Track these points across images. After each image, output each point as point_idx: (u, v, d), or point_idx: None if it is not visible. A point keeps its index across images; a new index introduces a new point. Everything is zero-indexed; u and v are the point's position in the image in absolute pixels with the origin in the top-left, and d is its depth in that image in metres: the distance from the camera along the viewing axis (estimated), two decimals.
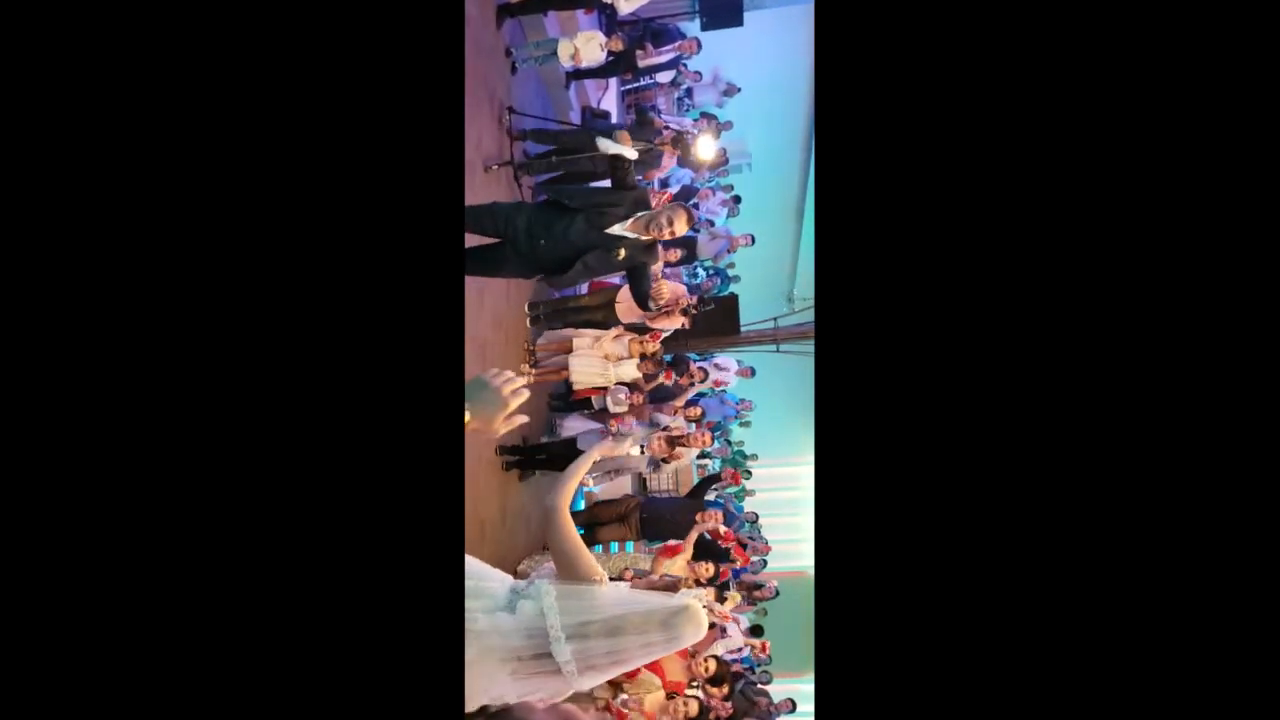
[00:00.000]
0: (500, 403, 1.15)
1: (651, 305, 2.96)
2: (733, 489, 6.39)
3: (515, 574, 1.75)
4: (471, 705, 1.28)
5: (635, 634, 1.40)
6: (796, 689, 5.24)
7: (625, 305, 4.85)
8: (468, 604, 1.46)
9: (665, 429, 4.71)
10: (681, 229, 2.82)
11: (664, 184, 6.15)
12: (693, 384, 5.31)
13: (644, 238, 2.79)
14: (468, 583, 1.51)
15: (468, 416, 1.14)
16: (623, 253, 2.77)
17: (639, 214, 2.76)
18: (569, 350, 4.79)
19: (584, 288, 5.25)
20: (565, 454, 4.49)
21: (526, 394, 1.16)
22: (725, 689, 3.25)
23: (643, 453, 4.25)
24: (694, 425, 4.90)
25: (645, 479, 4.76)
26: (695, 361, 5.78)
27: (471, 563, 1.60)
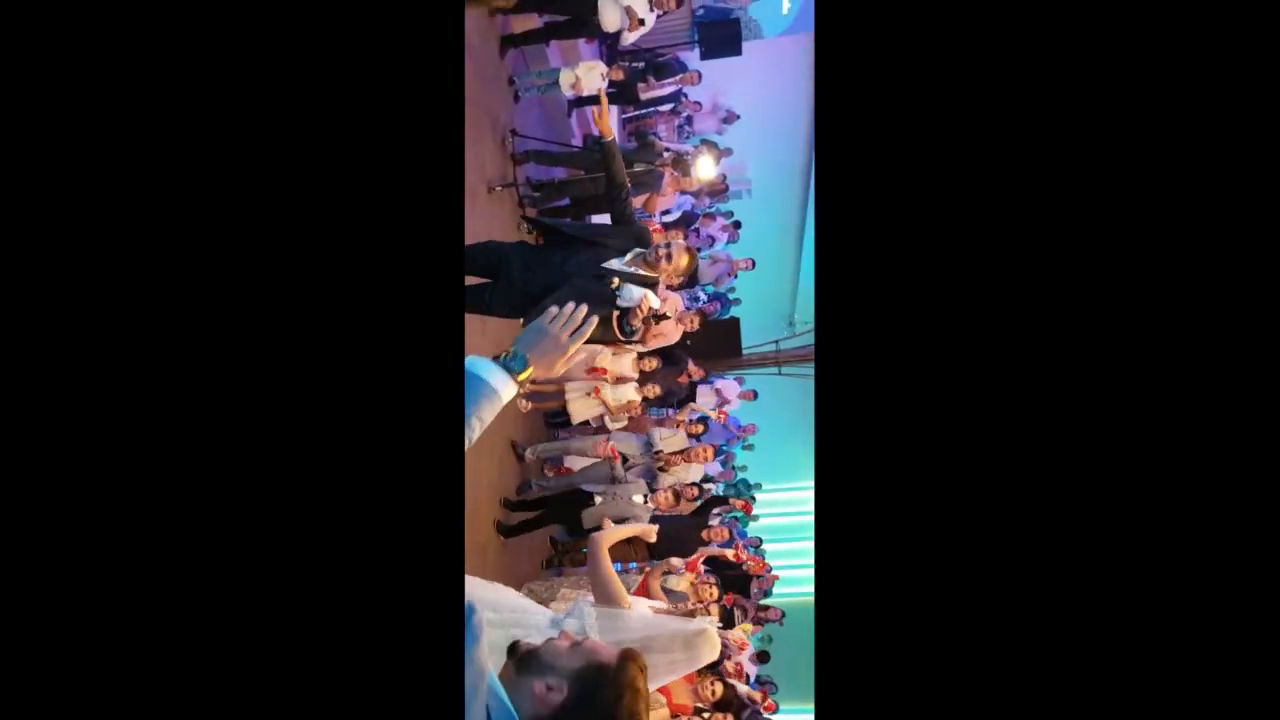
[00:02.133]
0: (560, 348, 1.14)
1: (635, 335, 2.77)
2: (739, 513, 6.35)
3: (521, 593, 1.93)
4: None
5: (662, 652, 1.64)
6: (802, 719, 5.15)
7: None
8: (515, 633, 1.62)
9: (657, 453, 4.67)
10: (681, 265, 2.65)
11: (665, 213, 6.19)
12: (692, 382, 5.28)
13: (642, 273, 2.68)
14: (511, 615, 1.72)
15: (529, 365, 1.11)
16: (616, 280, 2.65)
17: (638, 250, 2.66)
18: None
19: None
20: (569, 505, 4.45)
21: (589, 330, 1.15)
22: (730, 716, 3.20)
23: (646, 502, 4.25)
24: (695, 441, 4.86)
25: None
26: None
27: (510, 594, 1.81)
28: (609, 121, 2.74)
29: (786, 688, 5.66)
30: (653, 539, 2.40)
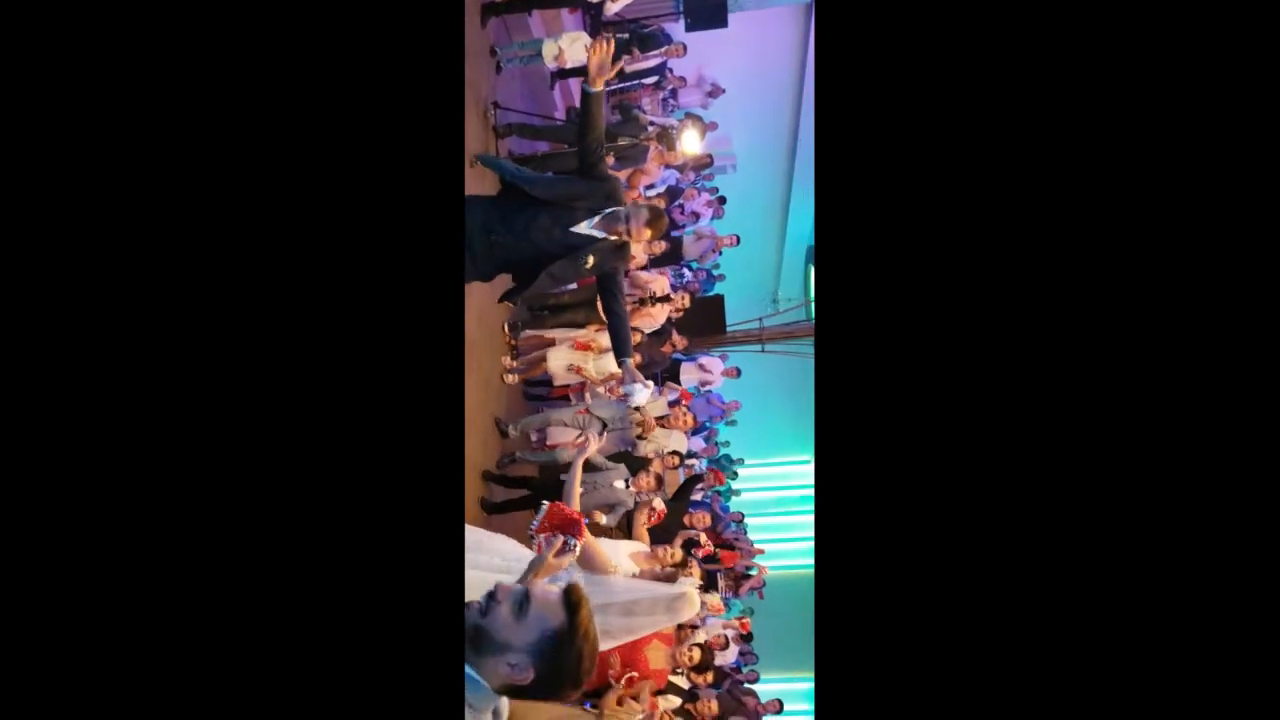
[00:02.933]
0: None
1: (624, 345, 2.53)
2: (720, 488, 6.40)
3: None
4: None
5: (645, 615, 1.85)
6: (784, 689, 5.26)
7: None
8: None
9: (635, 408, 4.68)
10: (645, 236, 2.49)
11: (649, 187, 6.15)
12: (675, 357, 5.29)
13: (612, 238, 2.49)
14: (517, 564, 1.89)
15: None
16: (591, 260, 2.47)
17: (607, 210, 2.45)
18: (551, 342, 4.78)
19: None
20: (550, 485, 4.45)
21: None
22: (710, 676, 3.27)
23: (627, 486, 4.26)
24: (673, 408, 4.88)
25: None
26: (682, 361, 5.79)
27: (519, 547, 2.02)
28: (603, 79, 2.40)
29: (768, 659, 5.77)
30: (593, 448, 2.39)
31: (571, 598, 1.01)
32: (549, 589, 1.04)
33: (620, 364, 2.56)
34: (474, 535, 2.08)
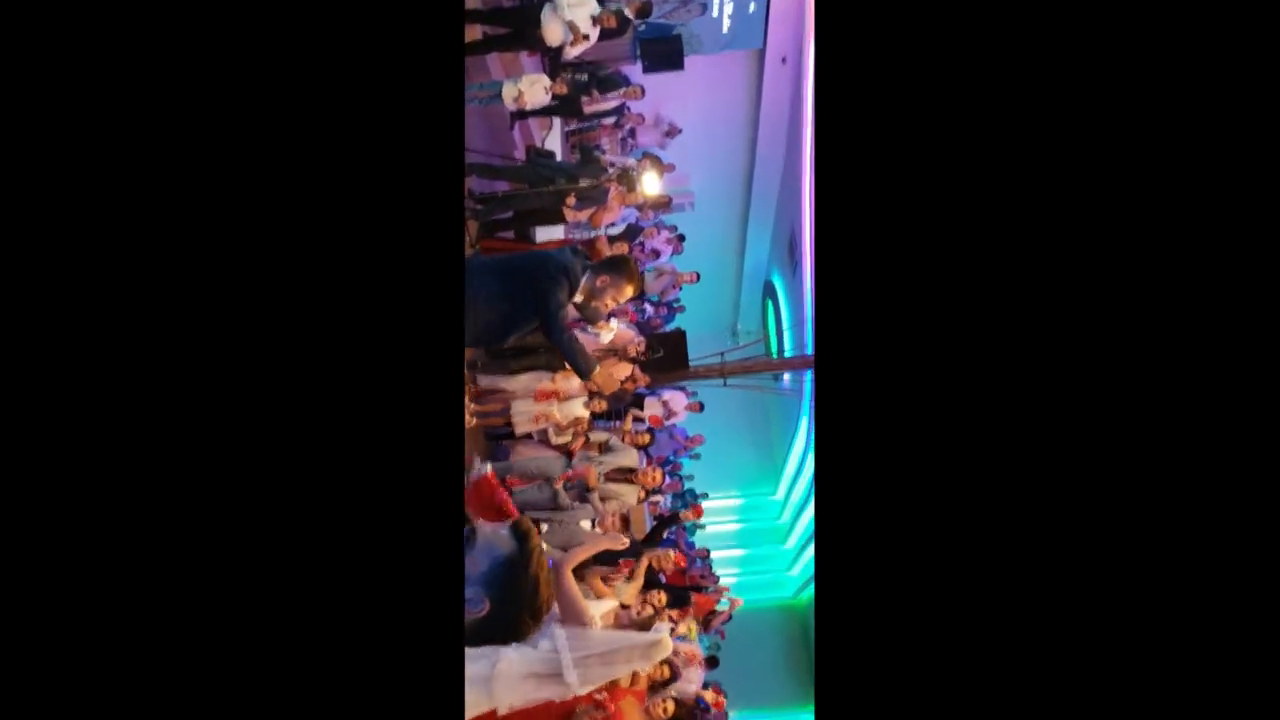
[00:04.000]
0: None
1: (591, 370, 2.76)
2: (689, 524, 6.40)
3: None
4: (501, 709, 1.73)
5: (624, 663, 1.98)
6: None
7: None
8: None
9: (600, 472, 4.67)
10: (627, 295, 2.75)
11: (610, 226, 6.21)
12: (637, 392, 5.31)
13: (602, 300, 2.72)
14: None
15: None
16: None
17: (583, 281, 2.68)
18: (512, 393, 4.76)
19: None
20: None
21: None
22: None
23: (594, 526, 4.24)
24: (644, 454, 4.88)
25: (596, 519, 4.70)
26: (645, 395, 5.81)
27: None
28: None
29: (731, 697, 5.71)
30: (623, 546, 2.54)
31: (520, 528, 1.01)
32: (496, 523, 1.04)
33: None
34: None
